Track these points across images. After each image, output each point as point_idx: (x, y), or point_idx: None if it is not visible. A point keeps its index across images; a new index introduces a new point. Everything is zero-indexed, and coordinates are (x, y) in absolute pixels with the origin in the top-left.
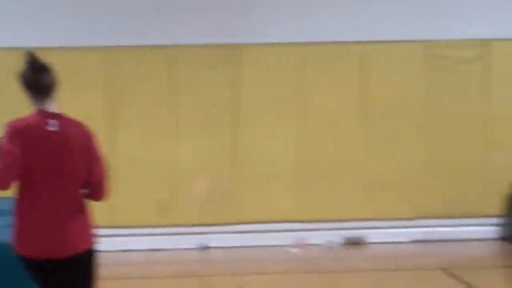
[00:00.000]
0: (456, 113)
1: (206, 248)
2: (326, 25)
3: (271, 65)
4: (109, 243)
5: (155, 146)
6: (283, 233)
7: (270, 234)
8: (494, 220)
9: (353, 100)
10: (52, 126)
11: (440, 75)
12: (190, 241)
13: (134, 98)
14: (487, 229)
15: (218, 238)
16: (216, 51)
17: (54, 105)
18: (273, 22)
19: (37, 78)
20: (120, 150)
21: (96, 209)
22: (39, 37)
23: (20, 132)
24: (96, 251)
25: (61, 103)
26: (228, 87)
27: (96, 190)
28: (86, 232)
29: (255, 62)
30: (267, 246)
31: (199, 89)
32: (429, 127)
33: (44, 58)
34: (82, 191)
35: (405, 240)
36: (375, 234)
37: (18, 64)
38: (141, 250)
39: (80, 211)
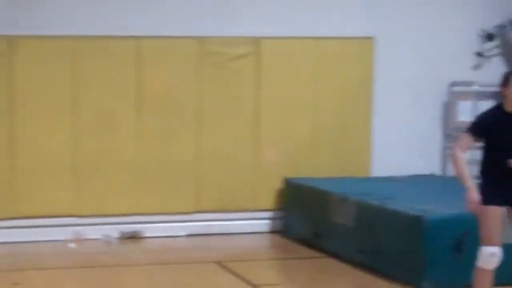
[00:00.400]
0: (229, 108)
1: None
2: (98, 18)
3: (45, 58)
4: None
5: None
6: (61, 228)
7: (48, 229)
8: (267, 214)
9: (128, 95)
10: None
11: (213, 71)
12: None
13: None
14: (260, 223)
15: None
16: None
17: None
18: (46, 14)
19: None
20: None
21: None
22: None
23: None
24: None
25: None
26: (2, 79)
27: None
28: None
29: (29, 54)
30: (45, 241)
31: None
32: (203, 122)
33: None
34: None
35: (182, 234)
36: (152, 228)
37: None
38: None
39: None
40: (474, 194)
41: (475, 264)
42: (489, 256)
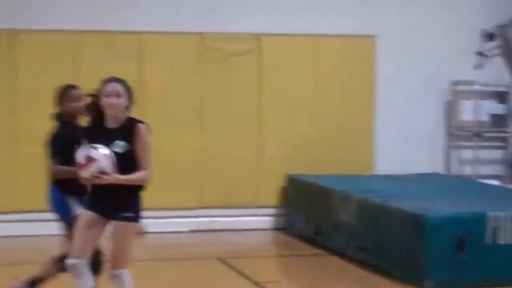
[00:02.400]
0: (231, 104)
1: None
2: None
3: None
4: None
5: None
6: None
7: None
8: (270, 211)
9: None
10: None
11: (215, 67)
12: None
13: None
14: (264, 220)
15: None
16: None
17: None
18: None
19: None
20: None
21: None
22: None
23: None
24: None
25: None
26: None
27: None
28: None
29: None
30: (49, 235)
31: None
32: (205, 119)
33: None
34: None
35: (185, 229)
36: (156, 224)
37: None
38: None
39: None
40: None
41: None
42: None
